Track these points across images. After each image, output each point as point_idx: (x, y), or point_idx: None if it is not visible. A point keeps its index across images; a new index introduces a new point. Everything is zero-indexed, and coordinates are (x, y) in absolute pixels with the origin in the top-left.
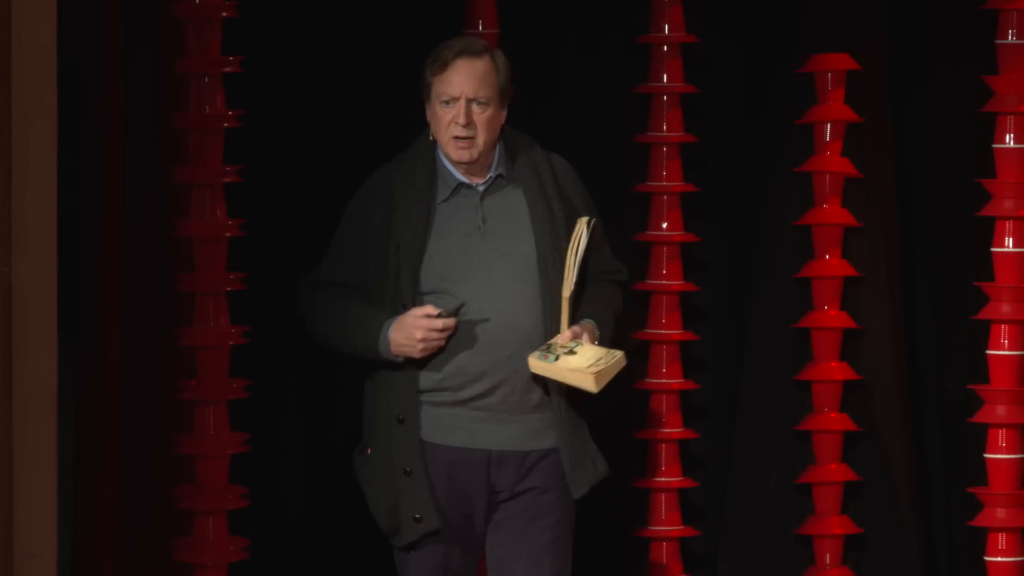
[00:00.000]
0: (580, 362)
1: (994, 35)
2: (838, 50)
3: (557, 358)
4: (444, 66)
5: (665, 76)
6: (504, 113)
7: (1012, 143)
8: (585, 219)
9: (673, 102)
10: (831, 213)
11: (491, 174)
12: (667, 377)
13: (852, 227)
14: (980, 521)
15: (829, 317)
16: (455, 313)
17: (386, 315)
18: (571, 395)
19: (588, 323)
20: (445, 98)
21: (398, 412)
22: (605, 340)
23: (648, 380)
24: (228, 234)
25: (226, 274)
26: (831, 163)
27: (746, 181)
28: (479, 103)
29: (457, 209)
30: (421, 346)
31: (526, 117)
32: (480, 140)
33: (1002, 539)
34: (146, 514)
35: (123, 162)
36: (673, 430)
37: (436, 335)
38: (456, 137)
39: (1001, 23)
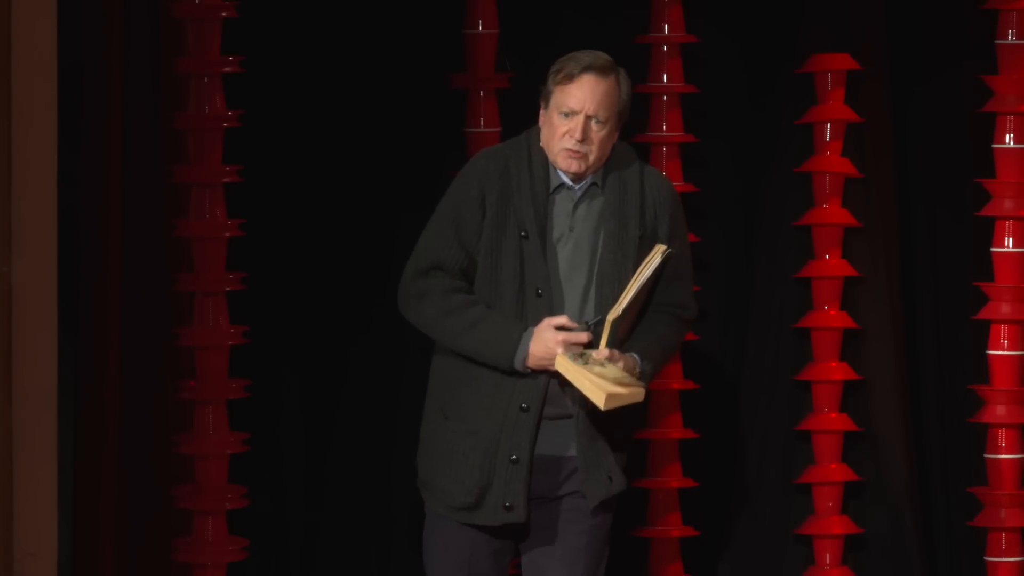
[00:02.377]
0: (603, 374)
1: (994, 35)
2: (838, 50)
3: (585, 364)
4: (570, 78)
5: (665, 76)
6: (617, 133)
7: (1012, 143)
8: (662, 247)
9: (673, 102)
10: (831, 213)
11: (588, 180)
12: (667, 378)
13: (852, 227)
14: (980, 521)
15: (829, 317)
16: (589, 328)
17: (521, 326)
18: (593, 407)
19: (632, 358)
20: (565, 110)
21: (524, 401)
22: (644, 378)
23: None
24: (228, 234)
25: (225, 274)
26: (831, 163)
27: (746, 181)
28: (598, 121)
29: (555, 208)
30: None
31: (526, 117)
32: (592, 157)
33: (1002, 539)
34: (146, 514)
35: (123, 162)
36: (673, 430)
37: (575, 349)
38: (568, 149)
39: (1001, 23)
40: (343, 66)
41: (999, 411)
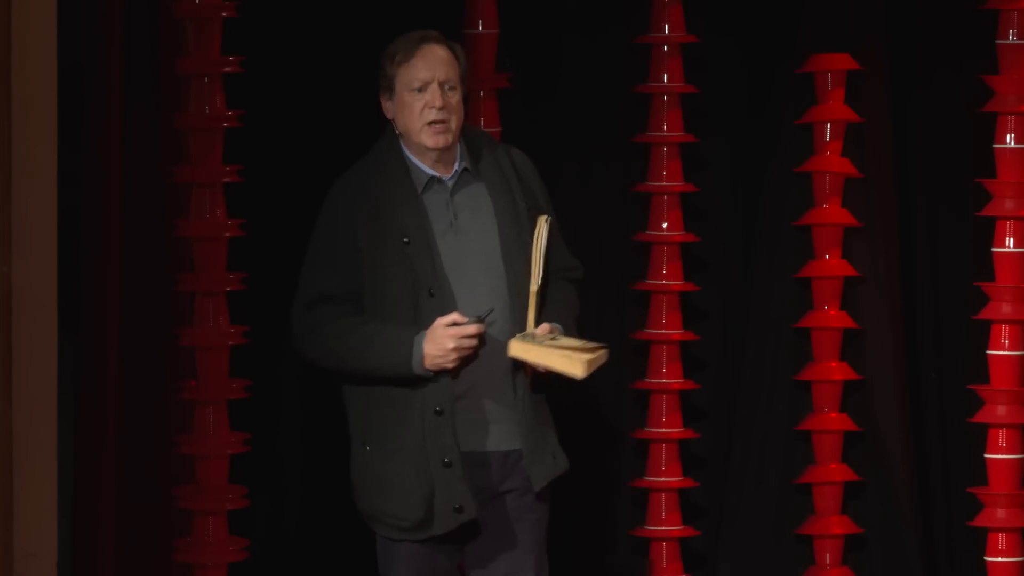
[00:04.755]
0: (561, 345)
1: (994, 35)
2: (838, 50)
3: (541, 343)
4: (410, 54)
5: (665, 76)
6: (465, 104)
7: (1012, 143)
8: (545, 217)
9: (673, 102)
10: (831, 213)
11: (457, 168)
12: (667, 377)
13: (852, 227)
14: (980, 521)
15: (829, 317)
16: (481, 320)
17: (413, 330)
18: (532, 390)
19: (556, 327)
20: (417, 85)
21: (436, 404)
22: None
23: (648, 380)
24: (228, 234)
25: (226, 274)
26: (831, 163)
27: (746, 181)
28: (449, 87)
29: (430, 205)
30: (454, 355)
31: (526, 117)
32: (453, 124)
33: (1002, 539)
34: (146, 514)
35: (123, 162)
36: (673, 430)
37: (468, 342)
38: (432, 122)
39: (1001, 23)
40: (343, 66)
41: (999, 411)
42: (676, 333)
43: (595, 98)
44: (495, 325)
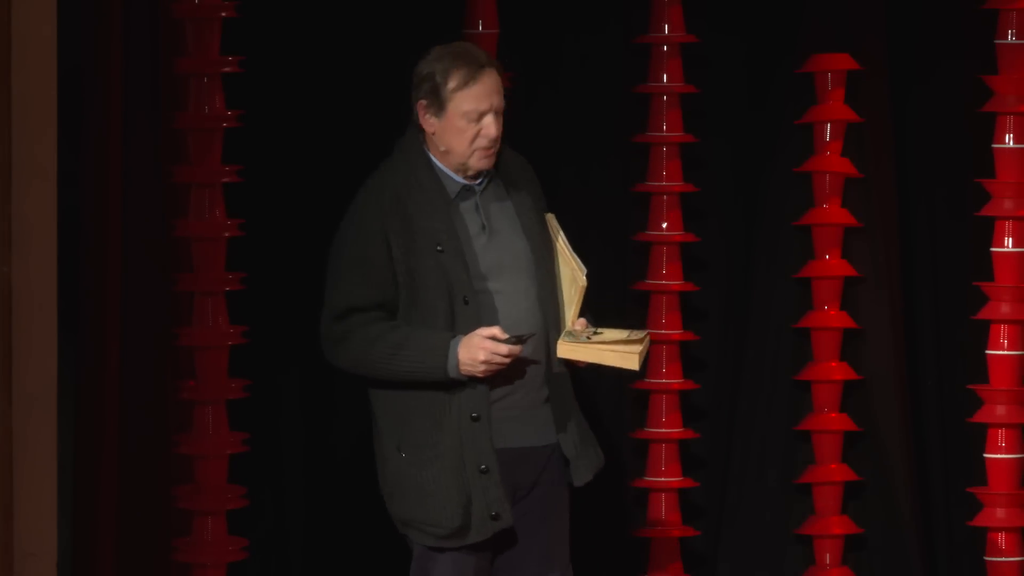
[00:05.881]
0: (607, 339)
1: (994, 35)
2: (838, 50)
3: (588, 339)
4: (471, 80)
5: (665, 76)
6: None
7: (1012, 143)
8: (551, 215)
9: (673, 102)
10: (831, 213)
11: (484, 175)
12: (667, 377)
13: (852, 227)
14: (980, 521)
15: (829, 317)
16: (521, 341)
17: (448, 335)
18: (566, 387)
19: (583, 319)
20: (475, 116)
21: (472, 410)
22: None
23: (648, 380)
24: (227, 234)
25: (225, 274)
26: (831, 163)
27: (746, 181)
28: (497, 114)
29: (463, 211)
30: (483, 367)
31: (526, 117)
32: (497, 148)
33: (1002, 539)
34: (146, 514)
35: (123, 162)
36: (673, 430)
37: (499, 359)
38: (484, 148)
39: (1001, 23)
40: (343, 66)
41: (998, 411)
42: (676, 333)
43: (595, 98)
44: (539, 322)
